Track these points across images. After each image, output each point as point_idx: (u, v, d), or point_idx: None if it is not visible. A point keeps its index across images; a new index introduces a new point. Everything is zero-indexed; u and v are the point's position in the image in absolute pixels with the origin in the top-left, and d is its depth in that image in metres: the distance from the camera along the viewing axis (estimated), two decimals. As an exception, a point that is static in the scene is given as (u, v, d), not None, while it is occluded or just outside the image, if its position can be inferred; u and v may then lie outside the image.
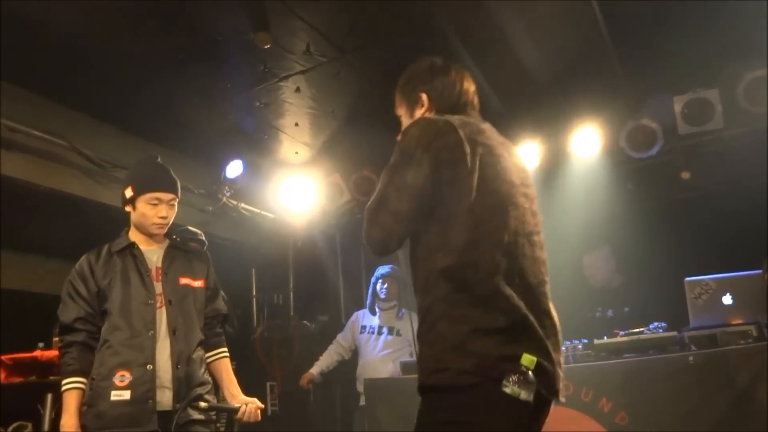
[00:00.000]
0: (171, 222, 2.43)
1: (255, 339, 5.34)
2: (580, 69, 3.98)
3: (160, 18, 3.36)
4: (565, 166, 4.65)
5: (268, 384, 5.05)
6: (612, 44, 3.74)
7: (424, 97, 1.79)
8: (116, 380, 2.16)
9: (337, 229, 5.71)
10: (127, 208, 2.41)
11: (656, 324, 3.31)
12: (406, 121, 1.81)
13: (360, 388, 4.30)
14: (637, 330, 3.30)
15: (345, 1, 3.40)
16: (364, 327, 4.54)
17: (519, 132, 4.63)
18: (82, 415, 2.17)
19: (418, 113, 1.79)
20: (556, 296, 1.65)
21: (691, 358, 2.98)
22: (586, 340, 3.40)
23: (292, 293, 5.78)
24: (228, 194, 5.03)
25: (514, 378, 1.40)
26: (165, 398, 2.22)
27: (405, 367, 3.72)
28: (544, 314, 1.56)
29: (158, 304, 2.31)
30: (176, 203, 2.43)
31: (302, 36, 3.65)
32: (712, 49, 3.80)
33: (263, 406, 2.46)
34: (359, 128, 4.67)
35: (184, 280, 2.41)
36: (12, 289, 5.05)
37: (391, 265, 4.54)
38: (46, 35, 3.35)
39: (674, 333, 3.22)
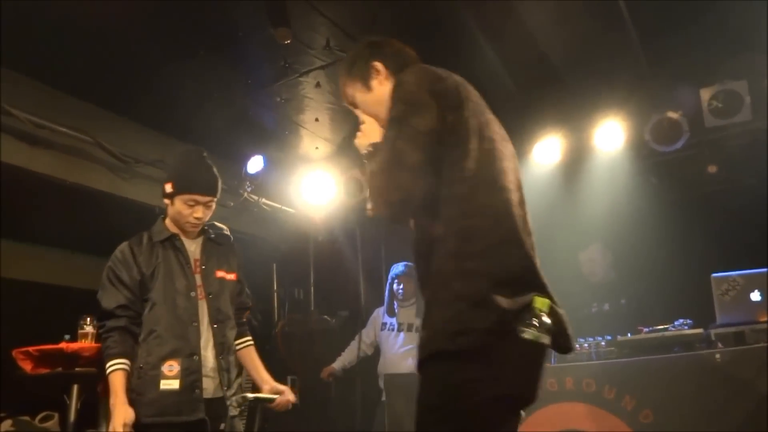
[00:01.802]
0: (205, 220, 2.45)
1: (276, 333, 5.37)
2: (603, 61, 3.91)
3: (181, 15, 3.39)
4: (588, 160, 4.58)
5: (289, 378, 5.07)
6: (636, 35, 3.67)
7: (378, 65, 1.71)
8: (165, 370, 2.22)
9: (357, 224, 5.71)
10: (165, 201, 2.43)
11: (681, 321, 3.25)
12: (363, 98, 1.73)
13: (381, 384, 4.30)
14: (662, 327, 3.25)
15: (365, -4, 3.39)
16: (384, 324, 4.54)
17: (541, 126, 4.58)
18: (132, 403, 2.21)
19: (376, 83, 1.71)
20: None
21: (718, 356, 2.92)
22: (609, 337, 3.36)
23: (312, 288, 5.81)
24: (249, 190, 5.06)
25: (533, 321, 1.34)
26: (209, 387, 2.29)
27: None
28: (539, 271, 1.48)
29: (199, 296, 2.35)
30: (214, 203, 2.44)
31: (322, 31, 3.65)
32: (739, 39, 3.71)
33: (294, 399, 2.54)
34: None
35: (219, 273, 2.45)
36: (38, 282, 5.16)
37: (405, 263, 4.53)
38: (72, 33, 3.40)
39: (700, 330, 3.16)
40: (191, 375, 2.24)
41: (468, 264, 1.39)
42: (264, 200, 5.29)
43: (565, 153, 4.62)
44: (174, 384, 2.21)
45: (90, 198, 4.31)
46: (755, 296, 3.13)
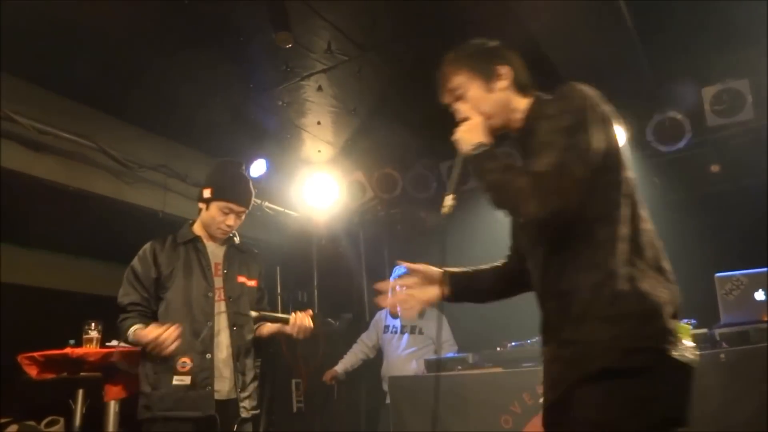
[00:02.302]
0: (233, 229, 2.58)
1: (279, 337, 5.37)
2: (604, 61, 3.91)
3: (183, 20, 3.40)
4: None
5: (293, 381, 5.08)
6: (637, 35, 3.67)
7: (505, 70, 1.68)
8: (178, 366, 2.31)
9: (361, 226, 5.72)
10: (200, 205, 2.57)
11: (685, 320, 3.23)
12: (478, 95, 1.67)
13: (386, 387, 4.30)
14: (666, 327, 3.24)
15: (365, 0, 3.39)
16: (387, 326, 4.54)
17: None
18: (145, 396, 2.32)
19: (499, 87, 1.67)
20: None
21: (722, 356, 2.91)
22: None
23: (316, 291, 5.81)
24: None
25: (685, 345, 1.39)
26: (223, 388, 2.37)
27: (429, 365, 3.71)
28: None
29: (217, 297, 2.45)
30: (245, 215, 2.58)
31: (323, 35, 3.65)
32: (741, 38, 3.70)
33: (312, 325, 2.57)
34: (381, 126, 4.66)
35: (240, 279, 2.56)
36: (43, 287, 5.18)
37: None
38: (74, 38, 3.41)
39: (704, 330, 3.15)
40: (203, 372, 2.32)
41: (637, 284, 1.42)
42: (267, 203, 5.30)
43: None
44: (186, 380, 2.30)
45: (93, 203, 4.33)
46: (759, 295, 3.12)
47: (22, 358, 2.79)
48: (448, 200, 1.68)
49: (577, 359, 1.41)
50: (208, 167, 4.90)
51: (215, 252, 2.56)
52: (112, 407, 2.84)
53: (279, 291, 5.82)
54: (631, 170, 1.56)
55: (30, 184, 3.93)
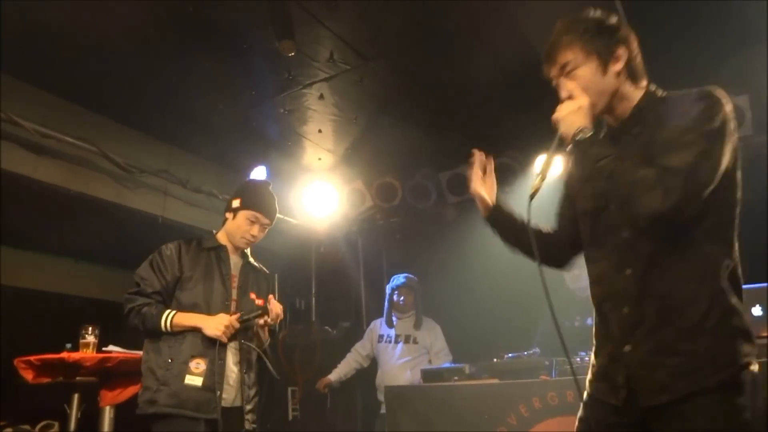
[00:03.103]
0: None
1: (277, 344, 5.36)
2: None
3: (186, 27, 3.42)
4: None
5: (289, 389, 5.07)
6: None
7: (622, 52, 1.58)
8: (192, 366, 2.38)
9: (359, 235, 5.72)
10: (228, 215, 2.66)
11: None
12: (589, 74, 1.58)
13: (381, 396, 4.29)
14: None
15: (368, 9, 3.42)
16: (381, 336, 4.53)
17: (543, 138, 4.58)
18: (153, 392, 2.35)
19: (614, 70, 1.57)
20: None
21: (719, 371, 2.91)
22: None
23: (314, 299, 5.81)
24: (252, 200, 5.08)
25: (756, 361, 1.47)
26: (229, 396, 2.44)
27: (426, 375, 3.70)
28: None
29: (232, 308, 2.53)
30: (268, 229, 2.70)
31: (326, 44, 3.68)
32: (740, 53, 3.72)
33: (278, 309, 2.62)
34: (382, 135, 4.68)
35: (251, 296, 2.65)
36: (40, 290, 5.18)
37: (405, 275, 4.53)
38: (78, 43, 3.44)
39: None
40: (213, 377, 2.38)
41: (737, 305, 1.48)
42: (267, 210, 5.30)
43: (562, 167, 4.61)
44: (197, 381, 2.35)
45: (94, 207, 4.34)
46: (756, 311, 3.11)
47: (18, 362, 2.79)
48: (537, 182, 1.64)
49: (693, 371, 1.42)
50: (209, 173, 5.00)
51: (235, 264, 2.65)
52: (108, 412, 2.84)
53: (277, 298, 5.81)
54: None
55: (31, 187, 3.95)
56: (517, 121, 4.44)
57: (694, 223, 1.46)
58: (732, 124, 1.47)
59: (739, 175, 1.52)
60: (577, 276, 4.06)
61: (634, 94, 1.62)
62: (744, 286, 3.16)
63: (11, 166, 3.79)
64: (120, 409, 2.83)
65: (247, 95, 4.21)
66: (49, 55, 3.56)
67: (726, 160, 1.44)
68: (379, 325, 4.60)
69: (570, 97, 1.58)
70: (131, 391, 2.70)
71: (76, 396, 2.91)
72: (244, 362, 2.52)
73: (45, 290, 5.25)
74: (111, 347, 2.93)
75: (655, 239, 1.49)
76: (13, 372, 2.82)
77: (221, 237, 2.68)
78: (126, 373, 2.80)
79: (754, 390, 1.43)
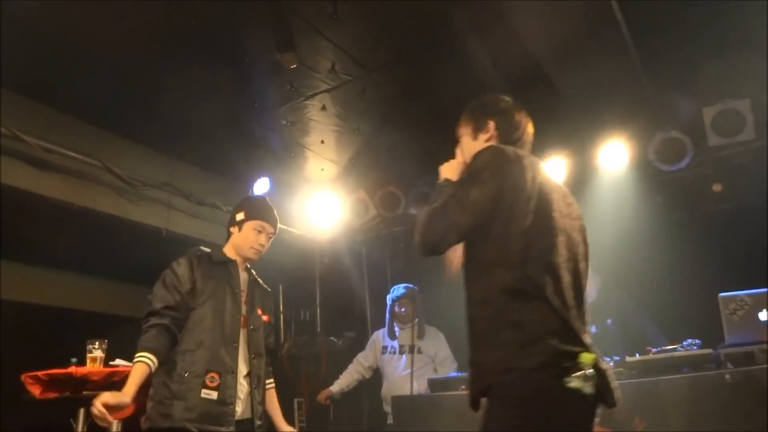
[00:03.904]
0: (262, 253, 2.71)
1: (282, 355, 5.35)
2: (605, 82, 3.95)
3: (188, 40, 3.44)
4: (592, 179, 4.59)
5: (295, 400, 5.05)
6: (637, 55, 3.71)
7: (491, 124, 1.96)
8: (207, 380, 2.37)
9: (363, 245, 5.72)
10: (232, 229, 2.70)
11: (690, 341, 3.23)
12: (466, 141, 2.00)
13: (387, 408, 4.27)
14: (671, 347, 3.22)
15: (369, 20, 3.44)
16: (385, 347, 4.51)
17: (545, 147, 4.60)
18: (167, 406, 2.35)
19: (482, 138, 1.96)
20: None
21: (727, 376, 2.89)
22: (618, 357, 3.34)
23: (318, 309, 5.80)
24: (255, 211, 5.08)
25: (577, 373, 1.55)
26: (240, 409, 2.46)
27: (433, 384, 3.69)
28: (580, 331, 1.69)
29: (242, 324, 2.54)
30: (273, 238, 2.74)
31: (327, 55, 3.70)
32: (741, 58, 3.73)
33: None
34: (384, 144, 4.70)
35: (258, 312, 2.67)
36: (44, 305, 5.17)
37: (405, 285, 4.52)
38: (80, 58, 3.46)
39: (709, 350, 3.14)
40: (227, 390, 2.40)
41: (515, 317, 1.62)
42: (270, 222, 5.30)
43: (569, 173, 4.63)
44: (213, 395, 2.36)
45: (98, 221, 4.35)
46: (763, 315, 3.11)
47: (25, 377, 2.78)
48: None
49: (474, 379, 1.70)
50: (212, 185, 5.01)
51: (243, 280, 2.67)
52: (115, 427, 2.82)
53: (282, 309, 5.81)
54: (546, 216, 1.73)
55: (35, 202, 3.96)
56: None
57: (472, 256, 1.76)
58: (500, 169, 1.73)
59: (524, 208, 1.70)
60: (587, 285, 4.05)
61: None
62: (748, 291, 3.18)
63: (15, 181, 3.80)
64: (127, 424, 2.82)
65: (249, 107, 4.22)
66: (51, 70, 3.58)
67: (483, 198, 1.69)
68: (381, 336, 4.57)
69: (454, 157, 2.03)
70: (139, 405, 2.68)
71: (81, 410, 2.90)
72: (254, 378, 2.53)
73: (49, 304, 5.25)
74: (118, 361, 2.92)
75: (465, 265, 1.80)
76: (19, 387, 2.81)
77: (228, 251, 2.69)
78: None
79: (537, 398, 1.54)
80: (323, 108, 4.26)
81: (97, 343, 2.89)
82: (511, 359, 1.58)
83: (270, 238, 2.73)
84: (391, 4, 3.28)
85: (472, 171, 1.77)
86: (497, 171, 1.73)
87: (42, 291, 5.21)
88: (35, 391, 2.75)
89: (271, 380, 2.78)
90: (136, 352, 2.35)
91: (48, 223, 4.21)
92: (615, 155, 4.45)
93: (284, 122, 4.45)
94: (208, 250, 2.66)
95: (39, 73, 3.60)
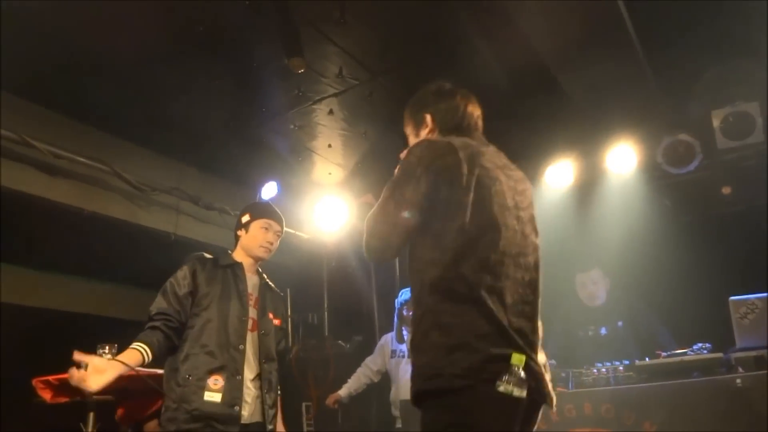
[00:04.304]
0: (273, 252, 2.71)
1: (290, 359, 5.35)
2: (612, 85, 3.94)
3: (197, 46, 3.47)
4: (600, 182, 4.58)
5: (303, 404, 5.05)
6: (645, 58, 3.69)
7: (428, 118, 1.90)
8: (210, 382, 2.37)
9: (371, 248, 5.71)
10: (239, 232, 2.72)
11: (700, 345, 3.20)
12: (412, 140, 1.95)
13: (395, 412, 4.25)
14: (681, 351, 3.20)
15: (376, 26, 3.46)
16: (394, 351, 4.49)
17: (553, 150, 4.59)
18: (174, 410, 2.35)
19: (423, 133, 1.91)
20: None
21: (738, 381, 2.87)
22: (627, 361, 3.32)
23: (326, 313, 5.80)
24: (263, 215, 5.10)
25: (506, 377, 1.48)
26: (247, 412, 2.44)
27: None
28: (519, 331, 1.59)
29: (251, 328, 2.54)
30: (280, 237, 2.75)
31: (335, 60, 3.71)
32: (750, 60, 3.72)
33: None
34: (391, 148, 4.69)
35: (270, 316, 2.67)
36: (57, 310, 5.21)
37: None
38: (90, 65, 3.49)
39: (720, 354, 3.11)
40: (233, 392, 2.39)
41: (443, 319, 1.56)
42: (278, 226, 5.32)
43: (577, 176, 4.62)
44: (216, 397, 2.36)
45: (107, 226, 4.38)
46: (771, 321, 3.08)
47: (36, 382, 2.79)
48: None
49: (413, 381, 1.62)
50: (220, 189, 5.03)
51: (251, 283, 2.67)
52: (124, 430, 2.84)
53: (290, 313, 5.81)
54: (487, 211, 1.65)
55: (45, 207, 3.99)
56: (526, 131, 4.44)
57: (411, 253, 1.69)
58: (433, 164, 1.65)
59: (460, 203, 1.62)
60: (592, 293, 4.03)
61: None
62: (759, 295, 3.16)
63: (25, 186, 3.84)
64: (138, 427, 2.83)
65: (257, 112, 4.24)
66: (61, 77, 3.62)
67: (419, 195, 1.63)
68: (390, 340, 4.56)
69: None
70: (149, 409, 2.69)
71: (91, 414, 2.91)
72: (265, 382, 2.53)
73: (59, 309, 5.28)
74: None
75: (408, 265, 1.73)
76: (29, 391, 2.83)
77: (237, 255, 2.70)
78: (143, 391, 2.79)
79: (466, 405, 1.49)
80: (330, 112, 4.28)
81: (107, 347, 2.88)
82: (438, 364, 1.53)
83: (278, 236, 2.75)
84: (397, 10, 3.30)
85: (404, 168, 1.71)
86: (430, 165, 1.65)
87: (52, 296, 5.25)
88: (46, 395, 2.76)
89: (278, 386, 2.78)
90: (132, 344, 2.37)
91: (58, 229, 4.25)
92: (623, 158, 4.43)
93: (292, 126, 4.47)
94: (209, 255, 2.66)
95: (49, 79, 3.63)
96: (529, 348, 1.58)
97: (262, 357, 2.54)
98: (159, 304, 2.46)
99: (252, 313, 2.58)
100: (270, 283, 2.80)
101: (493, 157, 1.78)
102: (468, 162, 1.65)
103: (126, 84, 3.73)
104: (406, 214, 1.64)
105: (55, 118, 3.99)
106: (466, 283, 1.57)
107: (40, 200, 3.92)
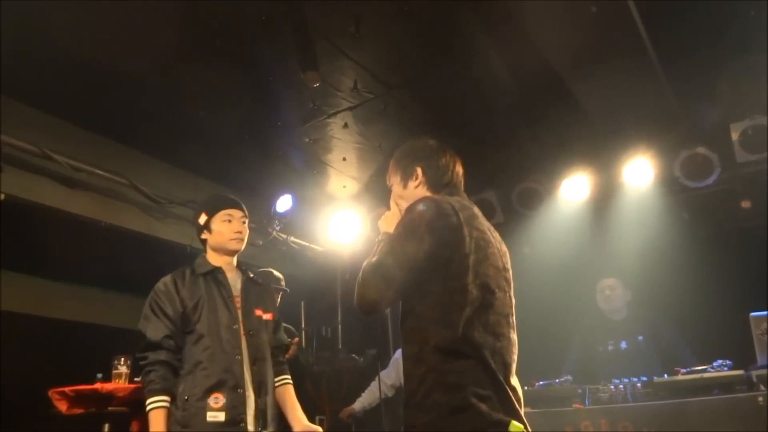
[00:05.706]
0: (246, 240, 2.53)
1: (305, 373, 5.34)
2: (628, 98, 3.91)
3: (213, 59, 3.51)
4: (617, 196, 4.54)
5: (317, 418, 5.02)
6: (662, 72, 3.67)
7: (419, 171, 1.91)
8: (211, 402, 2.23)
9: (385, 261, 5.70)
10: (203, 235, 2.53)
11: (720, 361, 3.14)
12: (397, 190, 1.96)
13: (407, 426, 4.22)
14: (700, 368, 3.14)
15: (391, 40, 3.47)
16: None
17: (569, 163, 4.57)
18: None
19: (412, 185, 1.92)
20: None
21: (760, 399, 2.81)
22: (645, 378, 3.26)
23: (340, 326, 5.79)
24: (278, 228, 5.13)
25: None
26: (252, 427, 2.30)
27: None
28: (513, 390, 1.65)
29: (241, 331, 2.39)
30: (247, 222, 2.56)
31: (350, 74, 3.74)
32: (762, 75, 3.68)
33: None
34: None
35: (257, 312, 2.50)
36: (72, 321, 5.25)
37: None
38: (107, 78, 3.54)
39: (740, 371, 3.05)
40: (236, 408, 2.26)
41: (448, 379, 1.57)
42: (292, 238, 5.34)
43: (593, 190, 4.58)
44: (220, 416, 2.23)
45: (125, 238, 4.42)
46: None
47: (53, 393, 2.81)
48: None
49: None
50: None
51: (234, 284, 2.50)
52: (140, 442, 2.84)
53: (303, 326, 5.81)
54: (482, 274, 1.66)
55: (64, 219, 4.04)
56: (541, 144, 4.43)
57: (409, 310, 1.68)
58: (435, 223, 1.66)
59: (461, 264, 1.64)
60: (608, 297, 4.00)
61: None
62: (755, 313, 3.08)
63: (45, 199, 3.89)
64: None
65: (272, 126, 4.28)
66: (80, 91, 3.67)
67: (420, 253, 1.62)
68: None
69: (388, 208, 2.00)
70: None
71: (106, 426, 2.93)
72: (256, 384, 2.36)
73: (75, 320, 5.33)
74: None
75: (402, 322, 1.72)
76: (45, 402, 2.84)
77: (212, 258, 2.52)
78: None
79: None
80: (345, 126, 4.30)
81: (123, 359, 2.92)
82: (441, 424, 1.53)
83: (244, 222, 2.54)
84: (412, 23, 3.31)
85: (408, 224, 1.70)
86: (434, 226, 1.66)
87: (68, 307, 5.30)
88: (62, 406, 2.78)
89: (285, 376, 2.63)
90: (149, 397, 2.23)
91: (76, 241, 4.29)
92: (640, 172, 4.39)
93: (307, 140, 4.50)
94: (187, 268, 2.49)
95: (68, 93, 3.69)
96: (520, 407, 1.64)
97: (252, 360, 2.38)
98: (159, 328, 2.30)
99: (239, 315, 2.42)
100: (253, 276, 2.62)
101: (482, 219, 1.83)
102: (467, 224, 1.69)
103: (143, 97, 3.78)
104: (405, 271, 1.64)
105: (75, 131, 4.05)
106: (472, 345, 1.59)
107: (58, 212, 3.97)
